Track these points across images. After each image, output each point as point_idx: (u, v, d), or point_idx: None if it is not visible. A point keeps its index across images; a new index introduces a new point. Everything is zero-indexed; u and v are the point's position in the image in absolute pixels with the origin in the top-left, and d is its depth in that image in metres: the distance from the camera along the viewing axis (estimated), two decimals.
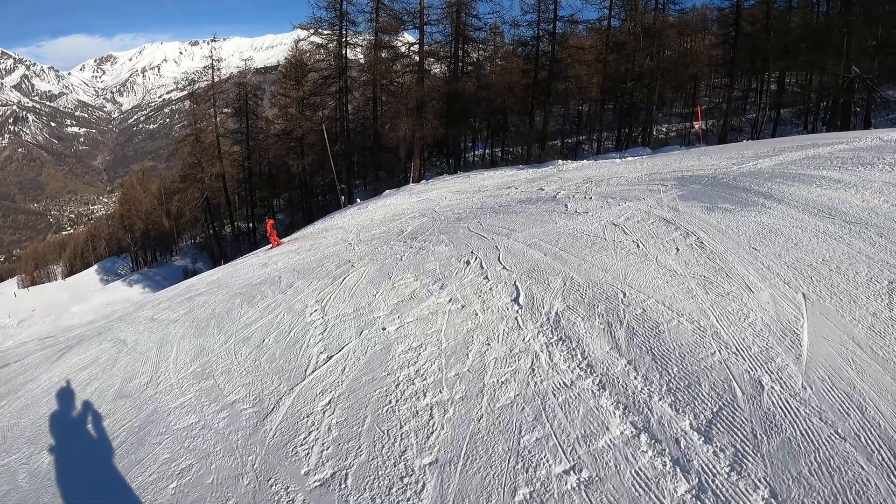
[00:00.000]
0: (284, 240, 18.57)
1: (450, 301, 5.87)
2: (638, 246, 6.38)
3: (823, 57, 33.36)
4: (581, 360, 4.21)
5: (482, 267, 6.77)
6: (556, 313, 5.03)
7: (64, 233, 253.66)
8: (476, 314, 5.41)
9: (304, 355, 5.48)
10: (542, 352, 4.45)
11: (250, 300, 8.42)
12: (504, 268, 6.54)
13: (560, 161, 24.34)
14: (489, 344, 4.74)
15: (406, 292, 6.51)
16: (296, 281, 8.90)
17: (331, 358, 5.22)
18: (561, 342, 4.52)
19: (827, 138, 13.36)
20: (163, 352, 7.05)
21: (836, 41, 31.93)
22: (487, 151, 47.33)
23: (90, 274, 78.91)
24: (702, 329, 4.24)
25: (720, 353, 3.90)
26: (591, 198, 9.95)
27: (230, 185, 50.48)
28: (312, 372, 5.06)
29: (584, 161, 22.92)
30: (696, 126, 29.97)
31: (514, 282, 5.97)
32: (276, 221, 50.24)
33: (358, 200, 29.30)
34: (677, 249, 6.03)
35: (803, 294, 4.54)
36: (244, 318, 7.44)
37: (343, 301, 6.86)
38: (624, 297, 5.05)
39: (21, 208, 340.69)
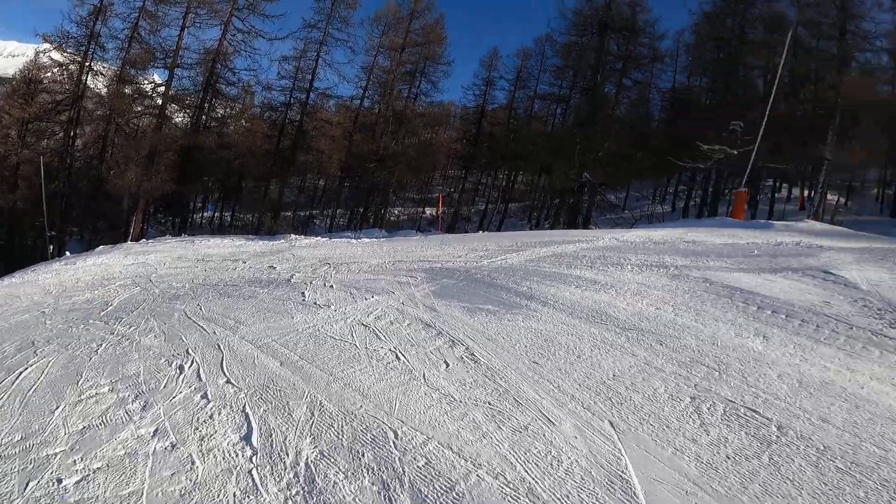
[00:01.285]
0: None
1: (155, 434, 4.36)
2: (398, 357, 5.49)
3: (556, 162, 36.73)
4: None
5: (200, 377, 5.36)
6: (307, 464, 3.78)
7: None
8: (193, 462, 3.92)
9: None
10: None
11: None
12: (229, 381, 5.21)
13: (293, 235, 23.41)
14: None
15: (96, 410, 4.89)
16: None
17: None
18: None
19: (564, 235, 14.09)
20: None
21: (570, 149, 36.40)
22: (217, 214, 45.00)
23: None
24: (512, 487, 3.39)
25: None
26: (331, 286, 9.01)
27: None
28: None
29: (318, 238, 22.04)
30: (437, 212, 30.89)
31: (244, 406, 4.66)
32: None
33: (68, 253, 25.96)
34: (447, 364, 5.26)
35: (610, 422, 4.05)
36: None
37: (12, 416, 5.01)
38: (397, 438, 4.01)
39: None
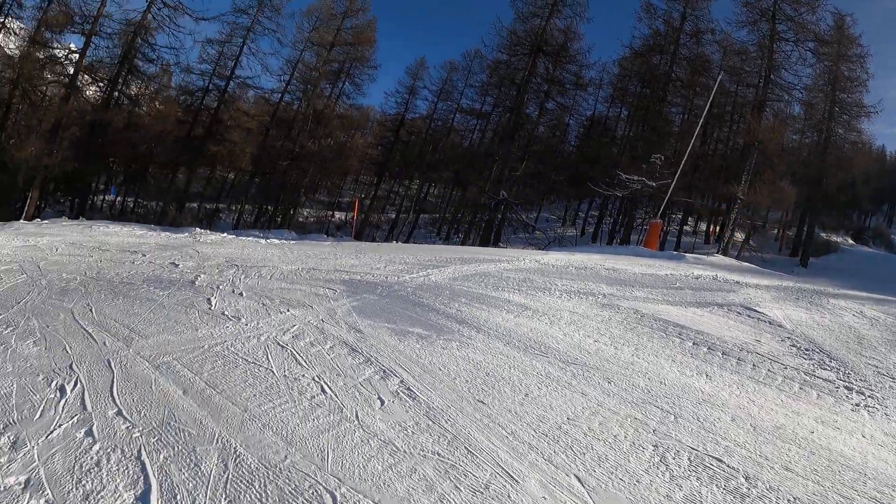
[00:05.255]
0: None
1: (26, 488, 3.33)
2: (324, 389, 4.78)
3: (472, 176, 36.85)
4: None
5: (84, 405, 4.35)
6: None
7: None
8: None
9: None
10: None
11: None
12: (121, 413, 4.23)
13: (198, 229, 22.52)
14: None
15: None
16: None
17: None
18: None
19: (482, 253, 14.11)
20: None
21: (487, 165, 37.29)
22: (119, 199, 42.82)
23: None
24: None
25: None
26: (241, 293, 8.24)
27: None
28: None
29: (224, 234, 21.08)
30: (353, 217, 30.31)
31: (139, 451, 3.71)
32: None
33: None
34: (381, 400, 4.63)
35: (578, 477, 3.64)
36: None
37: None
38: None
39: None
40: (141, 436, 3.92)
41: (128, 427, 4.04)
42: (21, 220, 24.83)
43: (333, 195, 51.44)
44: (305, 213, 44.06)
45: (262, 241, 17.91)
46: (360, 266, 10.92)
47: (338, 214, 46.19)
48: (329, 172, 42.92)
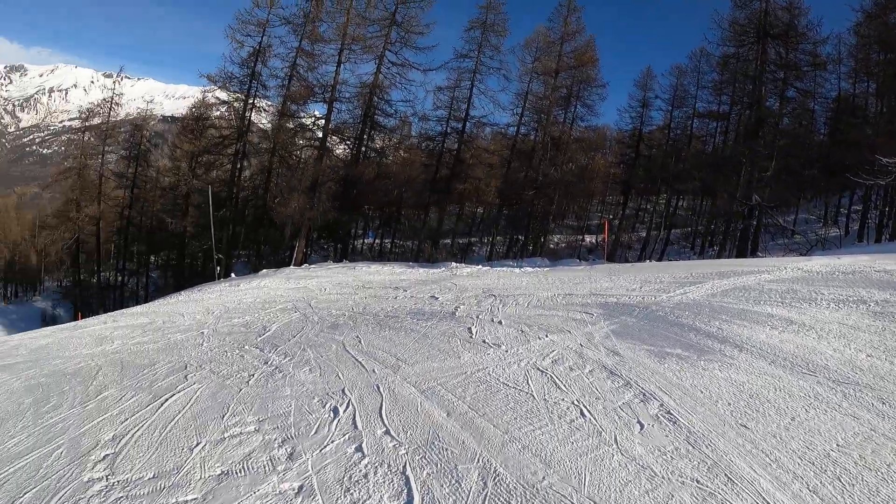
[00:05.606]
0: None
1: (299, 492, 3.66)
2: (583, 413, 4.54)
3: (720, 184, 34.34)
4: None
5: (355, 424, 4.64)
6: None
7: None
8: None
9: None
10: None
11: (42, 403, 6.29)
12: (388, 432, 4.42)
13: (454, 263, 23.05)
14: None
15: (237, 454, 4.29)
16: (110, 385, 6.67)
17: None
18: None
19: (740, 265, 12.73)
20: None
21: (734, 169, 33.40)
22: (377, 241, 45.78)
23: None
24: None
25: None
26: (500, 321, 8.13)
27: (105, 231, 46.60)
28: None
29: (480, 267, 21.45)
30: (604, 239, 29.69)
31: (405, 466, 3.85)
32: (149, 281, 47.73)
33: (233, 275, 27.11)
34: (640, 424, 4.29)
35: None
36: (12, 443, 5.13)
37: (147, 450, 4.58)
38: None
39: None
40: (406, 453, 4.05)
41: (394, 445, 4.20)
42: (291, 266, 27.36)
43: (582, 219, 51.16)
44: (556, 240, 44.04)
45: (516, 270, 18.00)
46: (615, 288, 10.47)
47: (588, 238, 45.66)
48: (574, 197, 42.82)
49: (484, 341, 7.06)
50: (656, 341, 6.43)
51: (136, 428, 5.10)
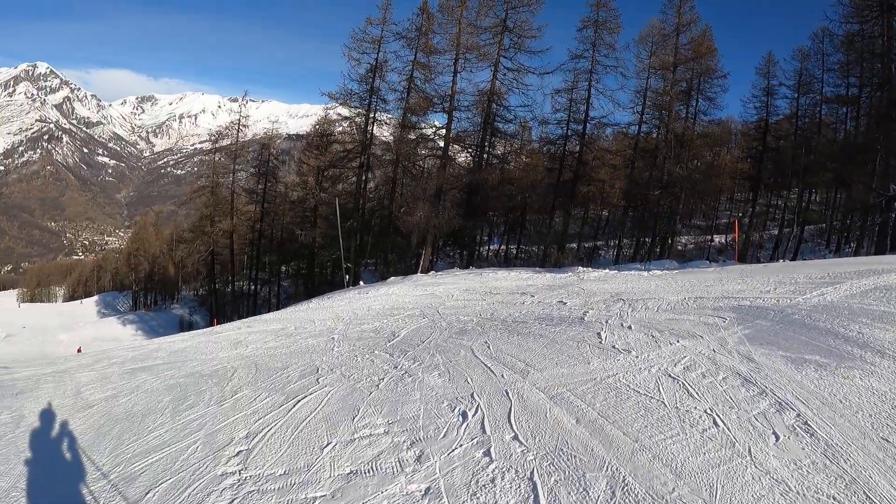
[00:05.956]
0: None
1: (426, 494, 3.74)
2: (716, 422, 4.35)
3: (854, 174, 31.71)
4: None
5: (484, 429, 4.65)
6: None
7: (74, 257, 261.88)
8: None
9: None
10: None
11: (180, 401, 6.82)
12: (517, 438, 4.40)
13: (580, 268, 22.61)
14: None
15: (367, 455, 4.43)
16: (245, 386, 7.13)
17: None
18: None
19: (880, 263, 11.68)
20: (31, 456, 5.58)
21: (869, 157, 30.54)
22: (503, 247, 45.84)
23: (90, 304, 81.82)
24: None
25: None
26: (629, 326, 7.89)
27: (238, 244, 49.57)
28: None
29: (607, 270, 21.03)
30: (735, 239, 28.34)
31: (532, 472, 3.82)
32: (281, 289, 49.99)
33: (362, 283, 27.87)
34: (776, 436, 4.06)
35: None
36: (152, 437, 5.67)
37: (280, 448, 4.84)
38: None
39: (38, 224, 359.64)
40: (534, 459, 4.03)
41: (522, 451, 4.18)
42: (418, 273, 27.75)
43: (709, 218, 49.22)
44: (684, 241, 42.68)
45: (644, 273, 17.58)
46: (747, 290, 9.97)
47: (717, 238, 43.68)
48: (701, 195, 41.24)
49: (613, 347, 6.90)
50: (793, 347, 6.07)
51: (269, 427, 5.40)
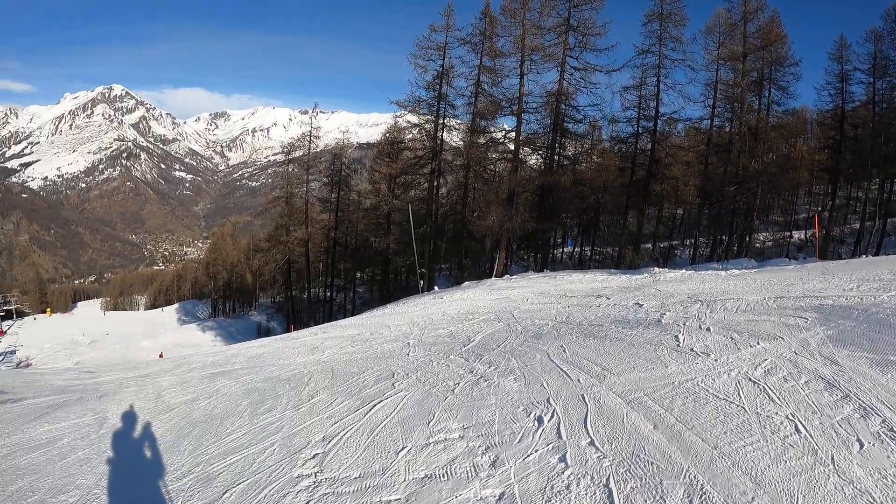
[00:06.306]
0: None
1: (500, 500, 3.74)
2: (797, 429, 4.21)
3: None
4: None
5: (559, 434, 4.61)
6: None
7: (155, 267, 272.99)
8: None
9: None
10: None
11: (258, 405, 7.05)
12: (593, 443, 4.35)
13: (656, 269, 22.15)
14: None
15: (441, 459, 4.48)
16: (321, 391, 7.31)
17: None
18: None
19: None
20: (113, 456, 5.85)
21: None
22: (577, 249, 45.46)
23: (170, 311, 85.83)
24: None
25: None
26: (708, 328, 7.70)
27: (314, 252, 50.63)
28: None
29: (684, 271, 20.53)
30: (815, 235, 27.39)
31: (608, 479, 3.78)
32: (356, 295, 50.78)
33: (436, 288, 28.02)
34: (860, 443, 3.89)
35: None
36: (230, 439, 5.88)
37: (355, 451, 4.94)
38: None
39: (119, 237, 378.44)
40: (610, 465, 3.99)
41: (598, 457, 4.14)
42: (492, 277, 27.76)
43: (788, 213, 47.73)
44: (762, 238, 41.47)
45: (722, 272, 17.12)
46: (829, 289, 9.61)
47: (796, 234, 42.24)
48: (778, 190, 39.97)
49: (692, 350, 6.75)
50: (878, 348, 5.80)
51: (345, 430, 5.51)
